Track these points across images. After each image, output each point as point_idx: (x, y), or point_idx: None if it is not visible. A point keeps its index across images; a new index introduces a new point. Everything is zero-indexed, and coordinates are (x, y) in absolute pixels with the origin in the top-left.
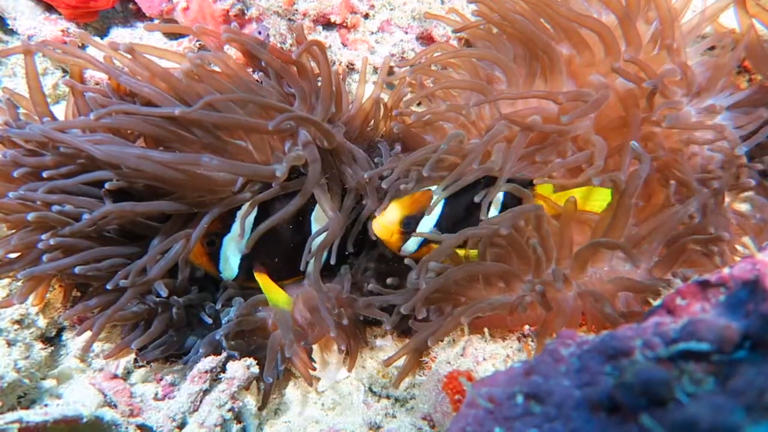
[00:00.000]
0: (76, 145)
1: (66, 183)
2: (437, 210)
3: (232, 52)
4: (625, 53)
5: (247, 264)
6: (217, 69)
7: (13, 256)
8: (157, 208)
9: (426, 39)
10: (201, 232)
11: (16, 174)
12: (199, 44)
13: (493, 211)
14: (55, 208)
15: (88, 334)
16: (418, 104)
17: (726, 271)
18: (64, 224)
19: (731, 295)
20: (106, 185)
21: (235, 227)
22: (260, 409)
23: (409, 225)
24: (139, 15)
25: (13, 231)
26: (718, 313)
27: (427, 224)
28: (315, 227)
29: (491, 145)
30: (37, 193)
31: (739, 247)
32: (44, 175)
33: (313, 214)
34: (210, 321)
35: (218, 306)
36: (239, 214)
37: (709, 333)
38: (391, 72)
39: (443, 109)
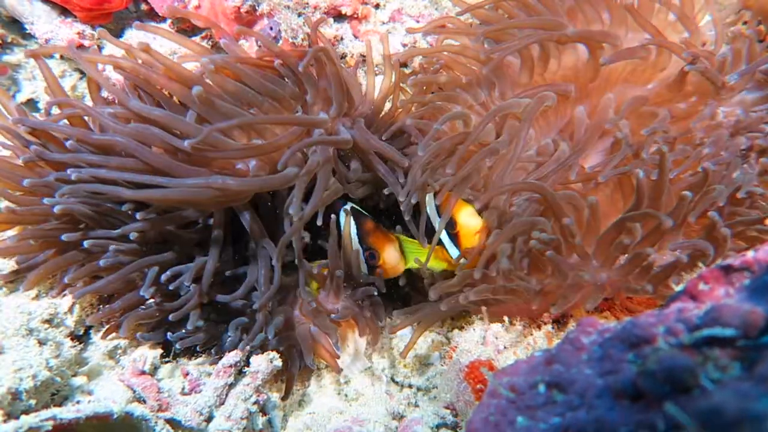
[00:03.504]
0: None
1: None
2: None
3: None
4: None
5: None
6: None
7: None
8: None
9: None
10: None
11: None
12: (212, 42)
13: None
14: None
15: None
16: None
17: (750, 254)
18: (89, 216)
19: (756, 279)
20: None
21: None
22: (284, 398)
23: None
24: (152, 15)
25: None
26: (742, 298)
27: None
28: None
29: (497, 117)
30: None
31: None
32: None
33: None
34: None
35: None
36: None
37: (733, 318)
38: (404, 65)
39: (443, 80)
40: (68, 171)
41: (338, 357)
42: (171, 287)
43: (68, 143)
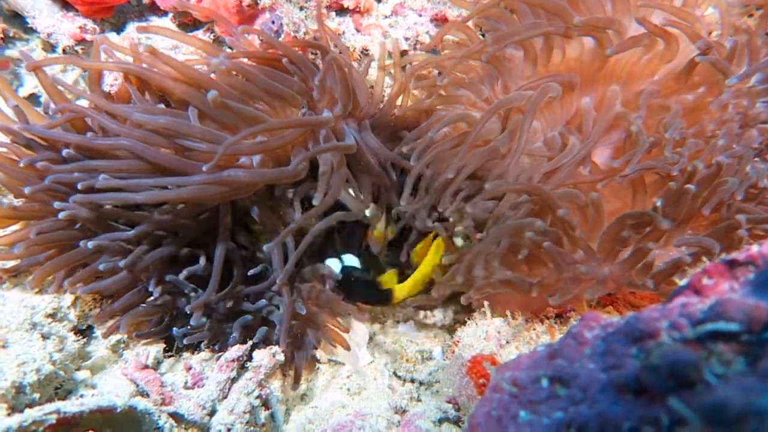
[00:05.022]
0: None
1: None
2: None
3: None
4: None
5: None
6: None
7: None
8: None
9: (440, 20)
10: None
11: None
12: (213, 35)
13: None
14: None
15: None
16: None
17: (755, 249)
18: (94, 220)
19: (760, 273)
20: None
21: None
22: (294, 387)
23: None
24: (154, 8)
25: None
26: (746, 292)
27: None
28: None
29: (499, 110)
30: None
31: None
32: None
33: None
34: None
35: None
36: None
37: (737, 313)
38: (404, 54)
39: (446, 83)
40: (75, 175)
41: (346, 331)
42: (189, 309)
43: (64, 152)
